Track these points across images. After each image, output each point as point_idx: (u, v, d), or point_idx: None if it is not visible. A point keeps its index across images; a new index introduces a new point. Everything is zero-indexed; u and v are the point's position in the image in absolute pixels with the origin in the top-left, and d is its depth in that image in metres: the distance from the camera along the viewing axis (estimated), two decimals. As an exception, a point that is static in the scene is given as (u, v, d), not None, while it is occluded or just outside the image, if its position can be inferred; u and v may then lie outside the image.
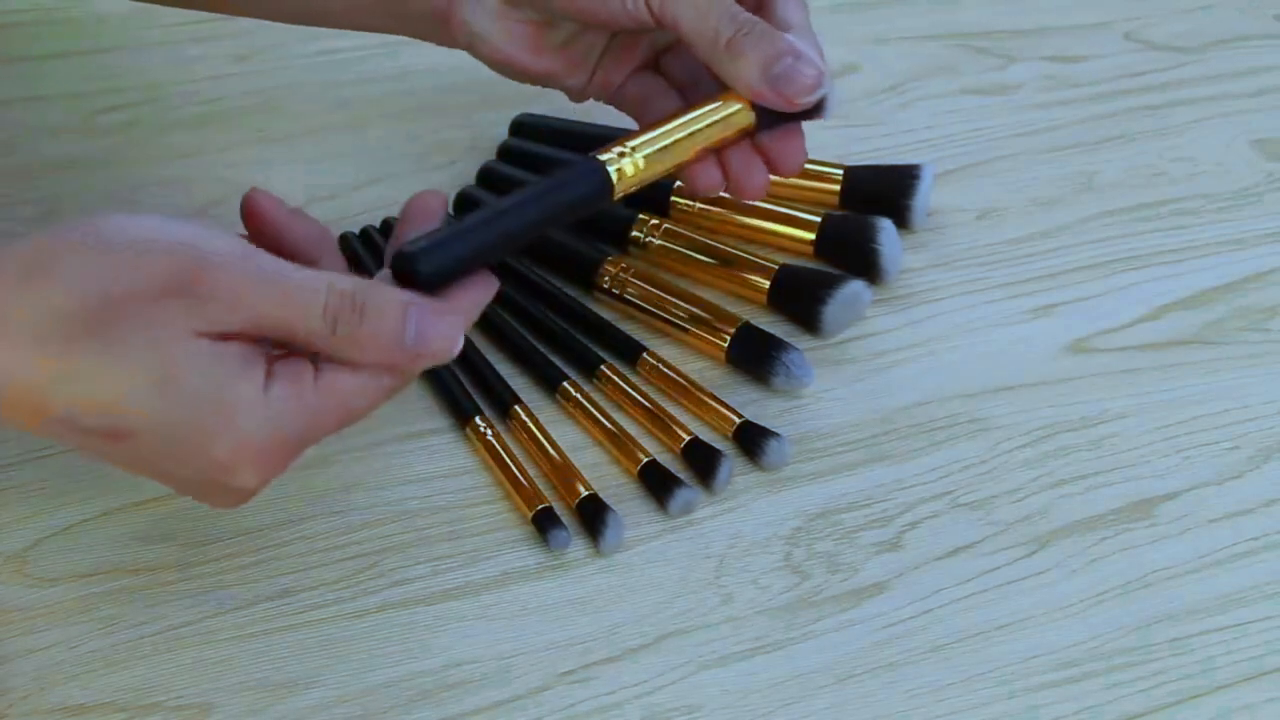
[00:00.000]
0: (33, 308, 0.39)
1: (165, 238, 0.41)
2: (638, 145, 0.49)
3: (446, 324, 0.42)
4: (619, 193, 0.48)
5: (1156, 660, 0.48)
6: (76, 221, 0.41)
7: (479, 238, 0.44)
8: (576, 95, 0.57)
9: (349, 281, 0.41)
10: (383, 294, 0.42)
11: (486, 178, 0.63)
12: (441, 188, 0.63)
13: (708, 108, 0.50)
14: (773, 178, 0.52)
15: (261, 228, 0.45)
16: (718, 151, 0.51)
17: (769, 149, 0.52)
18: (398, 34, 0.58)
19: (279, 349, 0.42)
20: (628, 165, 0.48)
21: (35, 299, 0.39)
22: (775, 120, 0.51)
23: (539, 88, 0.56)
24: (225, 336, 0.41)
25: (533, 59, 0.55)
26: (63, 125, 0.65)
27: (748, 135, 0.51)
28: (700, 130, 0.50)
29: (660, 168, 0.49)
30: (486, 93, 0.67)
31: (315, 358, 0.42)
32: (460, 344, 0.43)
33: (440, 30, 0.55)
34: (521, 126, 0.65)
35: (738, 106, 0.50)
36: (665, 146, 0.49)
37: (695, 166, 0.51)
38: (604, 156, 0.48)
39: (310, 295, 0.41)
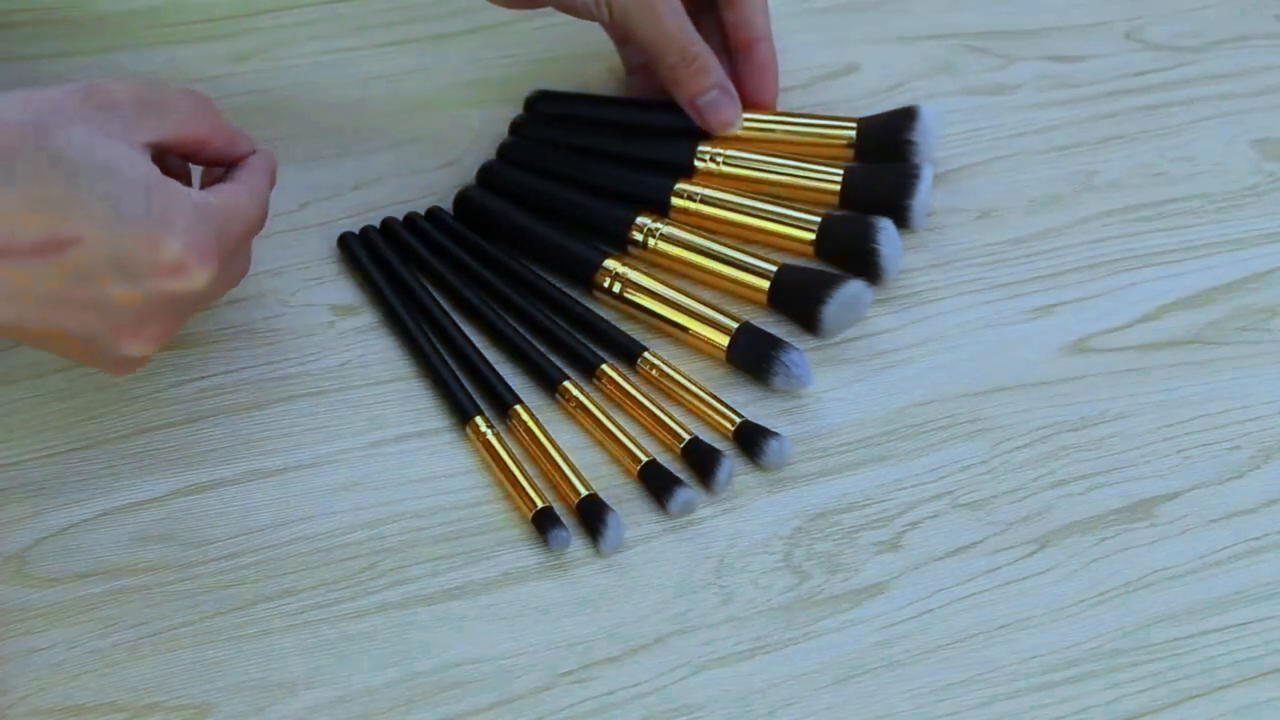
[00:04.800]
0: None
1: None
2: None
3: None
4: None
5: (1156, 660, 0.48)
6: None
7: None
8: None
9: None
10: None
11: (486, 178, 0.63)
12: (441, 188, 0.63)
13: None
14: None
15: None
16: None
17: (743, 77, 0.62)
18: None
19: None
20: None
21: None
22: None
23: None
24: (146, 145, 0.45)
25: None
26: (62, 125, 0.65)
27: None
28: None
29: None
30: (486, 92, 0.67)
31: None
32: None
33: None
34: (521, 126, 0.65)
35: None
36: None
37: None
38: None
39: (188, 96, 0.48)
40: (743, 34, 0.61)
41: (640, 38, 0.59)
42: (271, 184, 0.52)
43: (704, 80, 0.60)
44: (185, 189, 0.45)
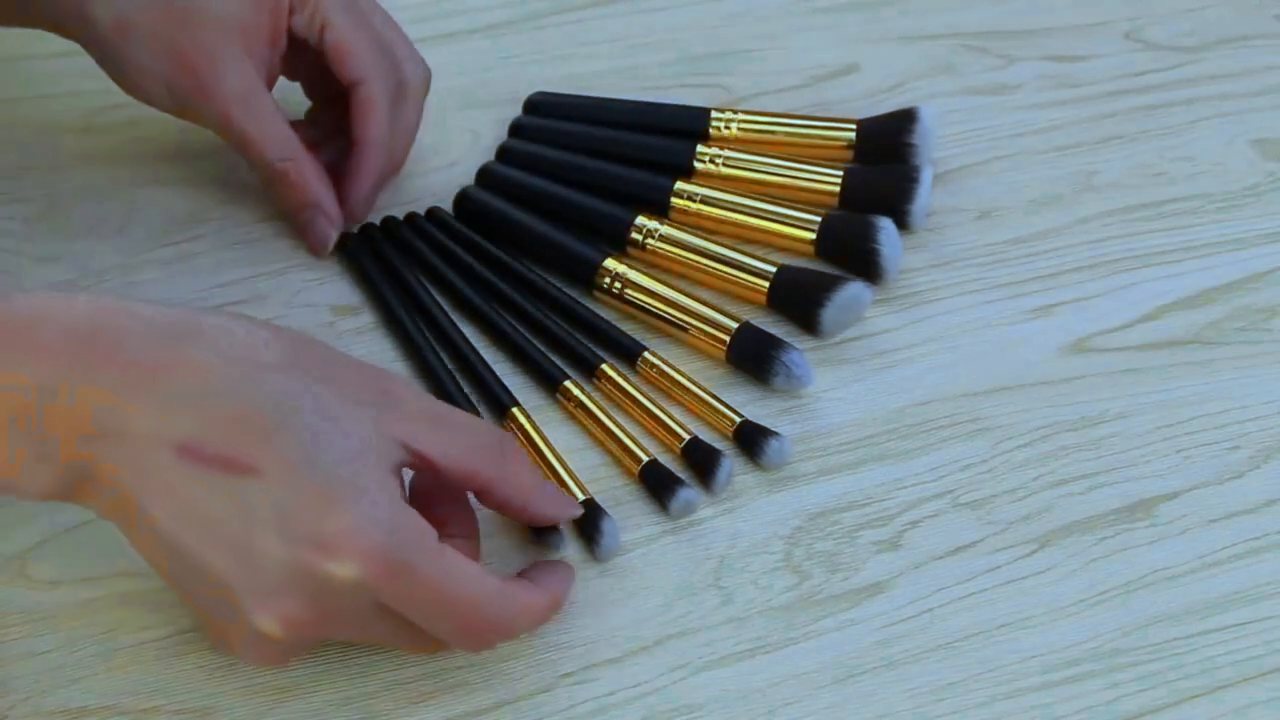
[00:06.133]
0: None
1: None
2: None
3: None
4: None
5: (1156, 660, 0.48)
6: None
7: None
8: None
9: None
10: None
11: (486, 178, 0.63)
12: (442, 188, 0.63)
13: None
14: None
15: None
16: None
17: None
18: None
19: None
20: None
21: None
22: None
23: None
24: (402, 445, 0.42)
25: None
26: (63, 125, 0.65)
27: None
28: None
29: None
30: (486, 93, 0.67)
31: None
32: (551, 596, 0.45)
33: None
34: (521, 128, 0.65)
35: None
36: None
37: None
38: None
39: (483, 429, 0.45)
40: (354, 135, 0.58)
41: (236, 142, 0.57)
42: (532, 617, 0.45)
43: (296, 198, 0.58)
44: (397, 488, 0.41)
